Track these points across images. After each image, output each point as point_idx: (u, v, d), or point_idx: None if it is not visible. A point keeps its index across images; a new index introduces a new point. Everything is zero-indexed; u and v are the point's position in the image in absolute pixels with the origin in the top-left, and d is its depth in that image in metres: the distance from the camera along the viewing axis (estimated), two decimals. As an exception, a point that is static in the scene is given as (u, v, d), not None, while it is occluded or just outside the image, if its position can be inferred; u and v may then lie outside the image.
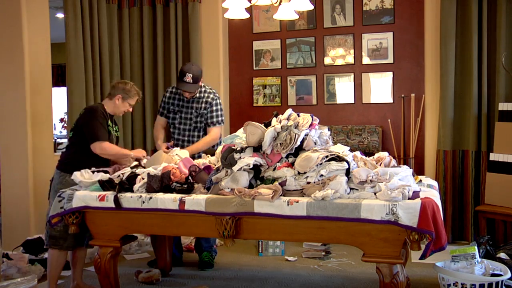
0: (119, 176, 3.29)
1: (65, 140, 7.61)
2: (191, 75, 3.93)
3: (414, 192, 2.78)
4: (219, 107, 4.12)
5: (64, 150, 3.69)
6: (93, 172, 3.32)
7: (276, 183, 2.91)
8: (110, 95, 3.65)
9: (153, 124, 5.49)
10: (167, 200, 3.00)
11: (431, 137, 4.91)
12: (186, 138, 4.17)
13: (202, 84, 4.17)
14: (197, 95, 4.11)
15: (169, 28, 5.45)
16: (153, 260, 4.25)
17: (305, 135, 3.05)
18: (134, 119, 5.60)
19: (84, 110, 3.62)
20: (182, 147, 4.05)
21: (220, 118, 4.13)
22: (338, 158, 2.92)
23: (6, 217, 4.66)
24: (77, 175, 3.26)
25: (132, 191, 3.14)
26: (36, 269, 3.98)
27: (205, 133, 4.16)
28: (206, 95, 4.13)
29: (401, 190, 2.66)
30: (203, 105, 4.10)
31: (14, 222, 4.60)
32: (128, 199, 3.07)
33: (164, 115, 4.25)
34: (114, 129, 3.69)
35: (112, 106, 3.63)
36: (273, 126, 3.08)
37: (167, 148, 3.85)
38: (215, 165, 3.34)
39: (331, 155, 2.94)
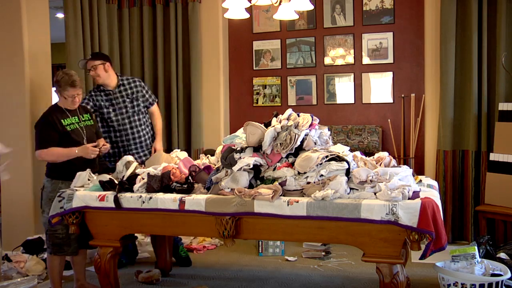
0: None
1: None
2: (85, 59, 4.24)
3: (414, 192, 2.78)
4: (148, 88, 4.39)
5: None
6: None
7: (276, 183, 2.91)
8: None
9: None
10: (167, 200, 3.00)
11: (431, 137, 4.91)
12: (128, 126, 4.20)
13: (120, 75, 4.31)
14: (121, 82, 4.20)
15: (169, 28, 5.45)
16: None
17: (305, 135, 3.05)
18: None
19: None
20: (127, 135, 4.19)
21: (153, 97, 4.41)
22: (338, 158, 2.92)
23: (6, 217, 4.66)
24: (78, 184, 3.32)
25: (132, 191, 3.14)
26: (37, 269, 3.98)
27: (144, 115, 4.30)
28: (130, 81, 4.28)
29: (401, 190, 2.66)
30: (134, 89, 4.25)
31: (14, 222, 4.60)
32: (128, 199, 3.07)
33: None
34: (84, 119, 3.58)
35: (61, 102, 3.54)
36: (273, 126, 3.08)
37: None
38: (215, 165, 3.34)
39: (331, 155, 2.94)
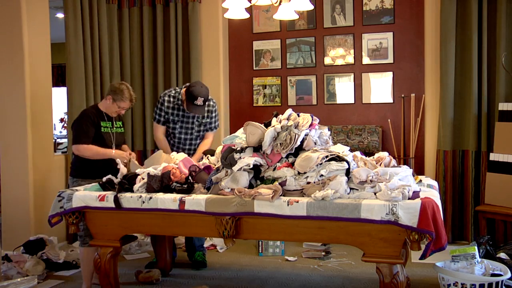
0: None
1: (65, 140, 7.63)
2: (203, 98, 3.86)
3: (414, 192, 2.78)
4: (217, 113, 4.21)
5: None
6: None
7: (276, 183, 2.91)
8: (106, 94, 3.76)
9: (153, 124, 5.50)
10: (167, 200, 2.99)
11: (431, 137, 4.91)
12: (187, 147, 4.14)
13: None
14: None
15: (169, 28, 5.45)
16: (150, 262, 4.24)
17: (305, 135, 3.05)
18: (134, 119, 5.61)
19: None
20: (179, 148, 4.14)
21: (217, 123, 4.24)
22: (338, 158, 2.92)
23: (6, 217, 4.66)
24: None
25: (132, 191, 3.14)
26: (37, 269, 3.98)
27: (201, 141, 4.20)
28: (207, 103, 4.08)
29: (401, 190, 2.66)
30: (205, 113, 4.10)
31: (14, 222, 4.60)
32: (128, 199, 3.07)
33: (163, 123, 4.09)
34: (116, 126, 3.77)
35: (105, 106, 3.73)
36: (273, 126, 3.08)
37: None
38: (215, 165, 3.34)
39: (331, 155, 2.94)
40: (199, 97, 3.83)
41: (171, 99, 4.04)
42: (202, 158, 3.90)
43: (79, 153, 3.60)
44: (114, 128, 3.76)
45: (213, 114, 4.14)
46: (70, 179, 3.70)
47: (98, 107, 3.76)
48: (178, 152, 4.07)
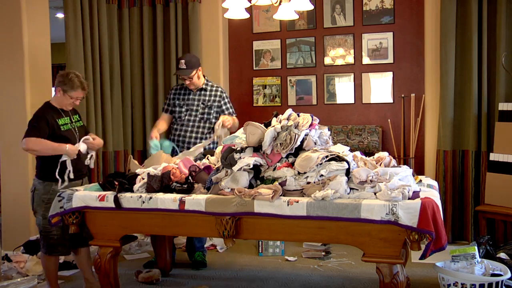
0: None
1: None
2: (184, 60, 4.11)
3: (414, 192, 2.78)
4: (229, 100, 4.33)
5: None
6: None
7: (276, 183, 2.91)
8: (55, 87, 3.48)
9: (153, 124, 5.51)
10: (167, 200, 2.99)
11: (431, 137, 4.92)
12: (189, 128, 4.20)
13: (206, 78, 4.31)
14: (203, 87, 4.22)
15: (169, 28, 5.45)
16: (149, 261, 4.25)
17: (305, 135, 3.05)
18: (134, 119, 5.61)
19: None
20: (184, 137, 4.18)
21: (233, 110, 4.33)
22: (338, 158, 2.92)
23: (6, 217, 4.66)
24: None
25: (132, 191, 3.14)
26: (37, 269, 3.98)
27: (210, 125, 4.22)
28: (213, 88, 4.27)
29: (401, 190, 2.66)
30: (212, 97, 4.22)
31: (14, 222, 4.60)
32: (128, 199, 3.07)
33: (168, 111, 4.30)
34: (74, 120, 3.53)
35: (57, 100, 3.46)
36: (273, 126, 3.08)
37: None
38: (215, 165, 3.34)
39: (331, 155, 2.94)
40: (180, 60, 4.13)
41: (178, 87, 4.34)
42: (202, 158, 3.91)
43: (27, 148, 3.28)
44: (74, 123, 3.51)
45: (225, 101, 4.27)
46: (38, 182, 3.42)
47: (51, 104, 3.46)
48: (180, 134, 4.19)
